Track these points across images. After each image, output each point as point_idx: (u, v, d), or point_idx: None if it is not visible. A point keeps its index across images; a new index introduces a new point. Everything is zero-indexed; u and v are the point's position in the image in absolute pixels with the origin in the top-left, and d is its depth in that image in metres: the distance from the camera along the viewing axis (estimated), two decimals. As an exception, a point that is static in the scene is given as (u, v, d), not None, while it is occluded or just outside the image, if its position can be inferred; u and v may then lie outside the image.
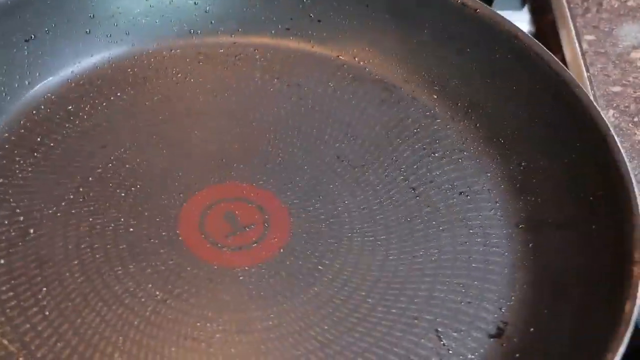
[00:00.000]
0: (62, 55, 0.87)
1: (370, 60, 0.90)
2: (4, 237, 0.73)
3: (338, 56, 0.91)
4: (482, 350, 0.68)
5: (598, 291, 0.67)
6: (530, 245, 0.75)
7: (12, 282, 0.70)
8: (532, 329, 0.69)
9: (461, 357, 0.67)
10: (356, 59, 0.91)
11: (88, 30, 0.88)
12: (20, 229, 0.74)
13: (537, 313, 0.70)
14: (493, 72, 0.84)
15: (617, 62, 0.94)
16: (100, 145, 0.80)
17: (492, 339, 0.69)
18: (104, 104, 0.84)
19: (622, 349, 0.59)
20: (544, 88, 0.80)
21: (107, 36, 0.89)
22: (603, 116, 0.74)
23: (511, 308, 0.71)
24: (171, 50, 0.90)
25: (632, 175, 0.69)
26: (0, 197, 0.76)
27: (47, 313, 0.68)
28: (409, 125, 0.85)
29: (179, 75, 0.88)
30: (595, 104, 0.76)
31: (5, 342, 0.66)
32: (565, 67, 0.81)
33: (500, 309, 0.71)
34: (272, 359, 0.66)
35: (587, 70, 0.91)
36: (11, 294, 0.69)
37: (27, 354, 0.66)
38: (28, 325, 0.67)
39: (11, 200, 0.76)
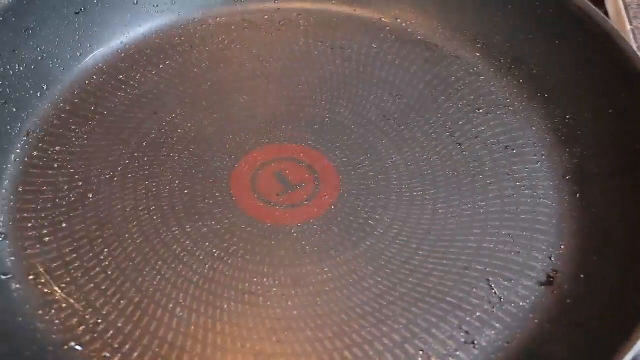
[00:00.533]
0: (112, 26, 0.89)
1: (412, 21, 0.92)
2: (64, 202, 0.76)
3: (380, 18, 0.92)
4: (532, 298, 0.69)
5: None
6: (577, 195, 0.76)
7: (75, 244, 0.73)
8: (582, 276, 0.70)
9: (513, 304, 0.69)
10: (398, 20, 0.92)
11: (135, 1, 0.90)
12: (80, 194, 0.76)
13: (586, 260, 0.71)
14: (536, 28, 0.85)
15: (660, 14, 0.94)
16: (152, 112, 0.83)
17: (542, 287, 0.70)
18: (154, 72, 0.86)
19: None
20: (587, 42, 0.81)
21: (154, 6, 0.91)
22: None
23: (560, 256, 0.72)
24: (217, 18, 0.92)
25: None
26: (59, 164, 0.79)
27: (109, 272, 0.71)
28: (453, 82, 0.86)
29: (225, 42, 0.90)
30: (638, 54, 0.76)
31: (72, 300, 0.69)
32: (608, 20, 0.81)
33: (550, 257, 0.72)
34: (328, 311, 0.68)
35: (630, 23, 0.91)
36: (74, 255, 0.72)
37: (93, 312, 0.68)
38: (92, 285, 0.70)
39: (69, 167, 0.78)
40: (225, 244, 0.73)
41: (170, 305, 0.69)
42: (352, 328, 0.67)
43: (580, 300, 0.68)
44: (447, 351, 0.66)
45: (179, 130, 0.81)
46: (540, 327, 0.67)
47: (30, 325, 0.68)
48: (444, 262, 0.71)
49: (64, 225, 0.74)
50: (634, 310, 0.62)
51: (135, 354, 0.66)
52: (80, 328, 0.67)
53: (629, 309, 0.62)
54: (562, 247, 0.72)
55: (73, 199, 0.76)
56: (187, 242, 0.73)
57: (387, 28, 0.92)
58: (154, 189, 0.77)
